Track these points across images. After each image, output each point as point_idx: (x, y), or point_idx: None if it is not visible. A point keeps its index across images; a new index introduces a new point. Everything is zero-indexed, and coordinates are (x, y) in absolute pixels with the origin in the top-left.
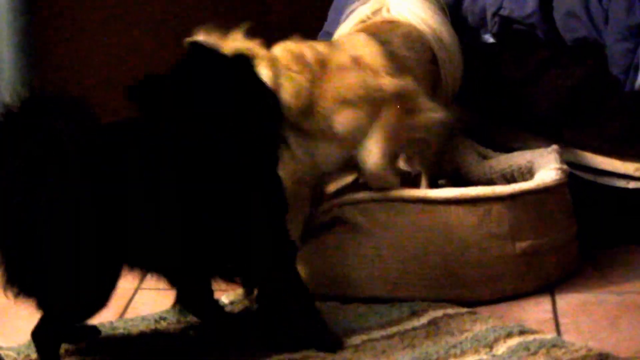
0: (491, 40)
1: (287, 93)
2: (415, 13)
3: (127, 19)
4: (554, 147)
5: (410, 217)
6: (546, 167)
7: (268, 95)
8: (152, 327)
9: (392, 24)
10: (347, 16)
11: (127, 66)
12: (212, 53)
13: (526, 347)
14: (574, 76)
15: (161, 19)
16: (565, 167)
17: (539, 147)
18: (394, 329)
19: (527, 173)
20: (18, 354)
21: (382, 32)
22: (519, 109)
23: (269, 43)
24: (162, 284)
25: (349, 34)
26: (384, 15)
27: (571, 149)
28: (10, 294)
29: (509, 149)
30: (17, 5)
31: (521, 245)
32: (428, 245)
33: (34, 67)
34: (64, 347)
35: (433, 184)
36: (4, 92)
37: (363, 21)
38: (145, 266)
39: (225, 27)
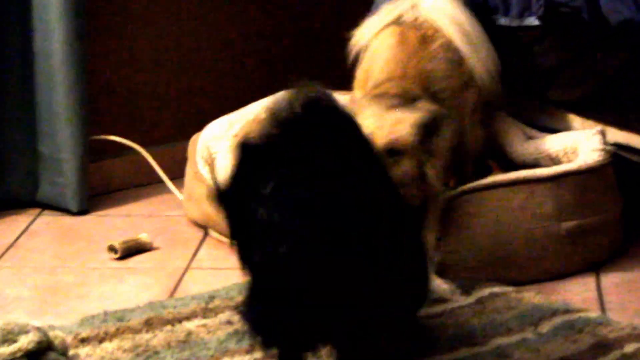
0: (536, 22)
1: None
2: (444, 10)
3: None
4: (598, 128)
5: (459, 203)
6: (589, 149)
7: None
8: (203, 306)
9: (426, 39)
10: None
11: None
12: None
13: (571, 325)
14: (618, 59)
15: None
16: (609, 148)
17: (583, 128)
18: (441, 308)
19: (572, 154)
20: (69, 332)
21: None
22: (562, 91)
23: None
24: (212, 263)
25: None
26: (413, 14)
27: (615, 130)
28: None
29: (554, 131)
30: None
31: (567, 225)
32: (475, 226)
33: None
34: (117, 325)
35: (481, 164)
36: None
37: (393, 22)
38: None
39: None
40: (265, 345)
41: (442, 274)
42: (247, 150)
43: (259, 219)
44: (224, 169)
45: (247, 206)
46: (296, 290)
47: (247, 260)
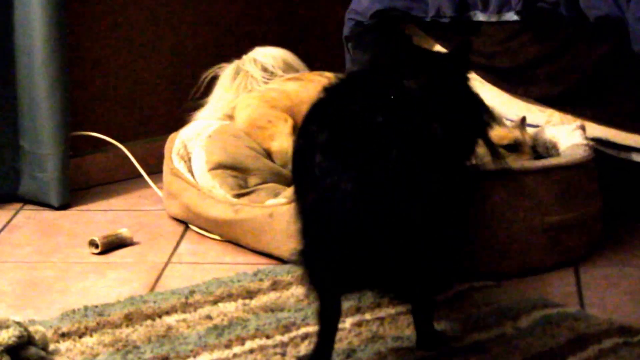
0: (514, 18)
1: None
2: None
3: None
4: (578, 123)
5: None
6: (572, 144)
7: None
8: (183, 300)
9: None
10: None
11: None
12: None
13: (550, 320)
14: (596, 54)
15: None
16: (590, 143)
17: (562, 123)
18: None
19: (552, 148)
20: (50, 327)
21: None
22: (541, 86)
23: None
24: (192, 258)
25: None
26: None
27: (595, 125)
28: None
29: (534, 126)
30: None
31: (549, 219)
32: None
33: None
34: (97, 319)
35: None
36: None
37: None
38: None
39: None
40: (316, 286)
41: None
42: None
43: (316, 163)
44: (198, 166)
45: (308, 154)
46: (346, 231)
47: (302, 204)
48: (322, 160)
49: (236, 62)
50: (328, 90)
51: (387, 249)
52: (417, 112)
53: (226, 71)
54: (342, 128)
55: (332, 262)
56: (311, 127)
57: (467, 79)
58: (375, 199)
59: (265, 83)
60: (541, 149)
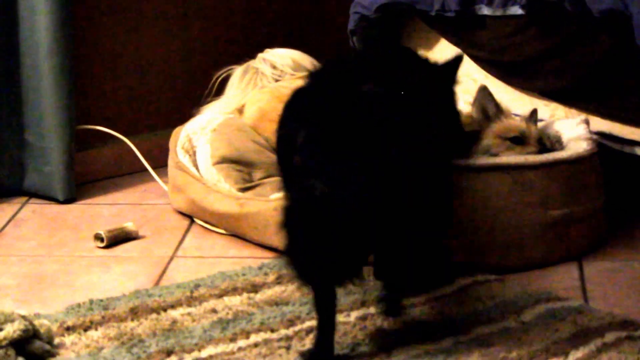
0: (520, 12)
1: None
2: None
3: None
4: (582, 117)
5: None
6: (577, 138)
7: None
8: (188, 294)
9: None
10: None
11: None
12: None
13: (553, 314)
14: (601, 48)
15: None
16: (595, 137)
17: (567, 117)
18: (424, 296)
19: (557, 143)
20: (55, 321)
21: None
22: (546, 80)
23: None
24: (197, 252)
25: None
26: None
27: (599, 119)
28: None
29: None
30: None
31: (553, 213)
32: (460, 210)
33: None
34: (102, 313)
35: None
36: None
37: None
38: None
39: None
40: (306, 280)
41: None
42: (289, 105)
43: (294, 164)
44: (204, 160)
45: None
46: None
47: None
48: (300, 160)
49: (248, 62)
50: (311, 77)
51: (369, 241)
52: (366, 115)
53: (237, 71)
54: (317, 126)
55: (316, 258)
56: (290, 121)
57: (452, 93)
58: (351, 197)
59: (276, 81)
60: (549, 143)
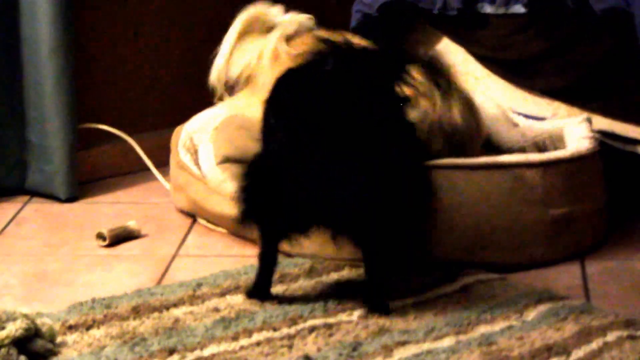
0: (522, 10)
1: None
2: None
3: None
4: (584, 116)
5: (444, 182)
6: (578, 136)
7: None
8: (190, 293)
9: None
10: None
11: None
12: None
13: (555, 313)
14: (602, 47)
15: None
16: (596, 135)
17: (569, 116)
18: (427, 295)
19: (559, 141)
20: (57, 319)
21: None
22: (548, 79)
23: None
24: (199, 250)
25: None
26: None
27: (600, 117)
28: None
29: (540, 118)
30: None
31: (554, 212)
32: (461, 208)
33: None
34: (104, 312)
35: None
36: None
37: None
38: None
39: None
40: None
41: (426, 256)
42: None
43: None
44: (205, 158)
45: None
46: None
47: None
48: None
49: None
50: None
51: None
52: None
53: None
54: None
55: (267, 219)
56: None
57: (391, 80)
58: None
59: None
60: (547, 141)
